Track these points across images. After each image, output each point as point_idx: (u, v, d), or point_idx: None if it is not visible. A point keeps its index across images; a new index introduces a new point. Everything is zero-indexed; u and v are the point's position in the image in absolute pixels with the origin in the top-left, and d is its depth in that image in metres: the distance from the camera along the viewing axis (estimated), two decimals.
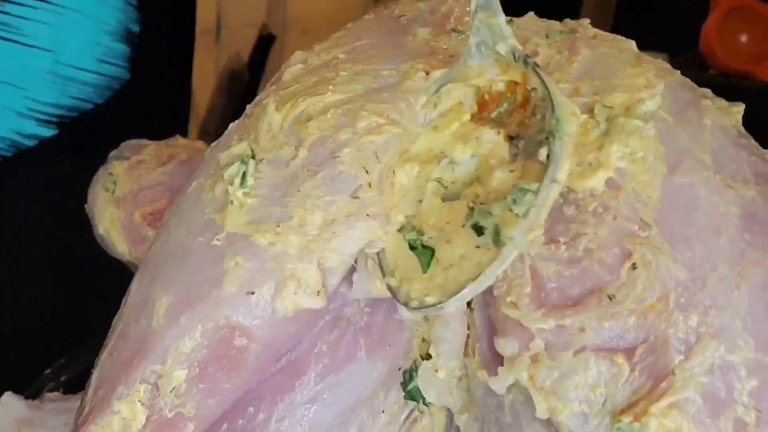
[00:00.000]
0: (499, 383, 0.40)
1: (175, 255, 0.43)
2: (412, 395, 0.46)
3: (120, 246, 0.72)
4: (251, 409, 0.43)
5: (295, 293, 0.41)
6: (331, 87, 0.45)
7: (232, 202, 0.43)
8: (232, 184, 0.43)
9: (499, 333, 0.41)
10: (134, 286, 0.45)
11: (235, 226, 0.42)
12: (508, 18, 0.53)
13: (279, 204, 0.42)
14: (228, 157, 0.44)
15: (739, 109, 0.49)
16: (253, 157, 0.44)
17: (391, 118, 0.44)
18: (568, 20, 0.56)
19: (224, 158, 0.45)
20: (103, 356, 0.44)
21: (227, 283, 0.41)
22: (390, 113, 0.44)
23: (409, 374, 0.46)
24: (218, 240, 0.42)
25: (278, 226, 0.41)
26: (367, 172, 0.42)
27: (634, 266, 0.39)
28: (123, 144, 0.79)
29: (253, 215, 0.42)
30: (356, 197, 0.42)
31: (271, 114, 0.45)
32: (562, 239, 0.41)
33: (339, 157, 0.42)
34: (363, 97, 0.45)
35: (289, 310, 0.41)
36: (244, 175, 0.43)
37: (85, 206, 0.76)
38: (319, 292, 0.41)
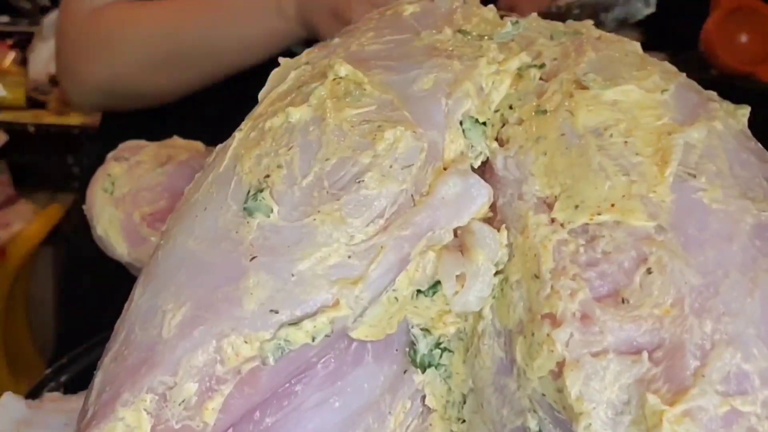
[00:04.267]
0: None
1: (187, 264, 0.43)
2: (426, 362, 0.45)
3: (119, 247, 0.72)
4: (258, 414, 0.43)
5: (325, 315, 0.41)
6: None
7: (248, 222, 0.42)
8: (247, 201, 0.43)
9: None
10: (138, 291, 0.45)
11: (254, 243, 0.42)
12: (514, 19, 0.53)
13: (299, 223, 0.42)
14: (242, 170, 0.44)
15: (745, 111, 0.49)
16: (267, 176, 0.43)
17: (411, 133, 0.43)
18: (571, 21, 0.56)
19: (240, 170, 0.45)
20: (107, 360, 0.44)
21: (246, 301, 0.41)
22: (409, 128, 0.43)
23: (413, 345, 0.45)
24: (235, 255, 0.42)
25: (299, 244, 0.41)
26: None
27: (649, 271, 0.39)
28: (121, 145, 0.79)
29: (272, 233, 0.42)
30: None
31: (279, 123, 0.45)
32: (580, 240, 0.41)
33: (363, 181, 0.42)
34: (377, 113, 0.44)
35: (315, 331, 0.41)
36: (260, 191, 0.43)
37: (84, 207, 0.76)
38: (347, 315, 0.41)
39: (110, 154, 0.80)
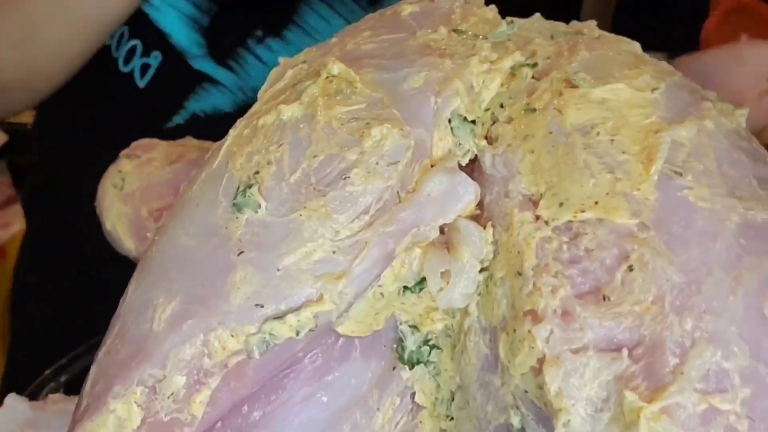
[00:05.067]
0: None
1: (179, 259, 0.44)
2: (415, 359, 0.46)
3: (127, 242, 0.73)
4: (246, 407, 0.43)
5: (309, 310, 0.41)
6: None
7: (237, 217, 0.43)
8: (237, 197, 0.44)
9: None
10: (132, 286, 0.46)
11: (242, 238, 0.42)
12: (510, 19, 0.53)
13: (286, 219, 0.42)
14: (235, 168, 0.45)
15: (743, 111, 0.48)
16: (257, 173, 0.44)
17: (398, 130, 0.44)
18: (574, 22, 0.56)
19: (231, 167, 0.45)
20: (101, 354, 0.45)
21: (234, 296, 0.41)
22: (396, 126, 0.44)
23: (401, 342, 0.46)
24: (224, 250, 0.42)
25: (285, 239, 0.42)
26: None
27: (630, 268, 0.39)
28: (134, 143, 0.80)
29: (260, 228, 0.42)
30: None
31: (271, 121, 0.46)
32: (564, 237, 0.41)
33: (349, 178, 0.42)
34: (366, 111, 0.45)
35: (302, 326, 0.41)
36: (248, 187, 0.44)
37: (95, 203, 0.77)
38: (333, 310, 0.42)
39: (123, 152, 0.81)
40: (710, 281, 0.39)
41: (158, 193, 0.74)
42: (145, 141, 0.83)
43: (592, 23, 0.56)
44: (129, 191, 0.76)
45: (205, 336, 0.41)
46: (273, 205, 0.43)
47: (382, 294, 0.43)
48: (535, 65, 0.49)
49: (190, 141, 0.85)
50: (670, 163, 0.42)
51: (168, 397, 0.41)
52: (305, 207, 0.42)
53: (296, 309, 0.41)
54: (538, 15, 0.56)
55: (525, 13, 0.56)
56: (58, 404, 0.63)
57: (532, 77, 0.48)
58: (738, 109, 0.49)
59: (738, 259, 0.40)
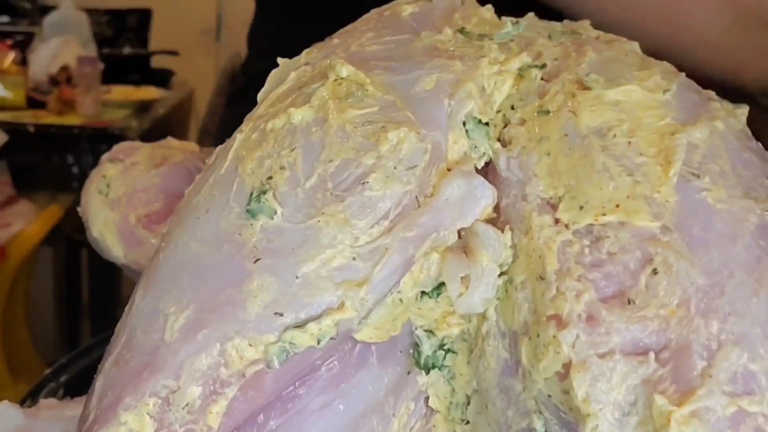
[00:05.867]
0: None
1: (189, 267, 0.43)
2: (430, 363, 0.45)
3: (115, 249, 0.72)
4: (261, 417, 0.43)
5: (330, 318, 0.40)
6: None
7: (251, 224, 0.42)
8: (250, 203, 0.43)
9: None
10: (139, 294, 0.45)
11: (257, 245, 0.41)
12: (515, 20, 0.53)
13: (303, 225, 0.42)
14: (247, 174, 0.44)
15: (744, 110, 0.49)
16: (270, 178, 0.43)
17: (414, 134, 0.43)
18: (567, 21, 0.56)
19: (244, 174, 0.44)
20: (107, 364, 0.44)
21: (251, 304, 0.40)
22: (412, 129, 0.43)
23: (417, 347, 0.45)
24: (239, 257, 0.41)
25: (303, 246, 0.41)
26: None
27: (654, 271, 0.39)
28: (116, 146, 0.79)
29: (276, 235, 0.42)
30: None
31: (281, 125, 0.45)
32: (585, 241, 0.41)
33: (367, 183, 0.42)
34: (380, 114, 0.44)
35: (322, 334, 0.41)
36: (263, 192, 0.43)
37: (78, 209, 0.76)
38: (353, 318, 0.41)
39: (104, 156, 0.80)
40: (733, 283, 0.39)
41: (145, 198, 0.73)
42: (127, 144, 0.82)
43: (586, 22, 0.56)
44: (115, 197, 0.74)
45: (221, 346, 0.40)
46: (289, 211, 0.42)
47: (401, 300, 0.42)
48: (543, 66, 0.49)
49: (172, 142, 0.84)
50: (687, 165, 0.42)
51: (182, 408, 0.40)
52: (323, 213, 0.41)
53: (317, 317, 0.40)
54: (531, 14, 0.56)
55: (521, 12, 0.56)
56: (51, 410, 0.62)
57: (542, 79, 0.48)
58: (739, 108, 0.49)
59: (758, 261, 0.40)
